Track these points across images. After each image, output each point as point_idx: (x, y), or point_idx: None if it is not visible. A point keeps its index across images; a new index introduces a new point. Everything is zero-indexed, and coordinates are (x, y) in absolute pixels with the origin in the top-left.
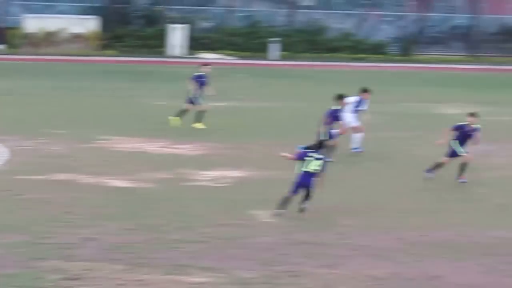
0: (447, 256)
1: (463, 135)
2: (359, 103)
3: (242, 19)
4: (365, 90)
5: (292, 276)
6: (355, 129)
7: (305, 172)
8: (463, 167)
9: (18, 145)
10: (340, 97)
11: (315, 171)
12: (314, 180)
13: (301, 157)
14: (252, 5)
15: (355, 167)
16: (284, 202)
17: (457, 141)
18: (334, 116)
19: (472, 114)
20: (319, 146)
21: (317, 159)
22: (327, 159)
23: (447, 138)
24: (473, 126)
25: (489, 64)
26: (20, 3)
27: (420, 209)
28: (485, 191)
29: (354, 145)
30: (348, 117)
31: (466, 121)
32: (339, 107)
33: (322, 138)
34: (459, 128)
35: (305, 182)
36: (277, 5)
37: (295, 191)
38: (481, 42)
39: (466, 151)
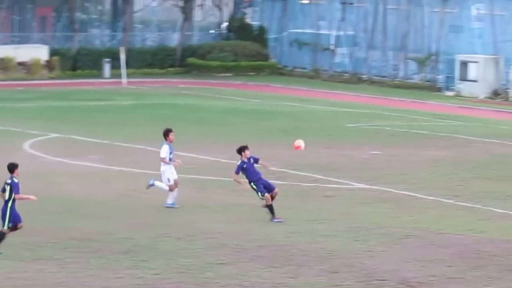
0: None
1: None
2: (171, 149)
3: None
4: (169, 131)
5: None
6: (176, 184)
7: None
8: None
9: None
10: None
11: (6, 198)
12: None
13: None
14: None
15: None
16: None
17: None
18: None
19: None
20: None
21: (8, 184)
22: (14, 182)
23: None
24: None
25: None
26: None
27: None
28: None
29: (170, 201)
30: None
31: None
32: None
33: None
34: None
35: (2, 209)
36: None
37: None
38: None
39: None
